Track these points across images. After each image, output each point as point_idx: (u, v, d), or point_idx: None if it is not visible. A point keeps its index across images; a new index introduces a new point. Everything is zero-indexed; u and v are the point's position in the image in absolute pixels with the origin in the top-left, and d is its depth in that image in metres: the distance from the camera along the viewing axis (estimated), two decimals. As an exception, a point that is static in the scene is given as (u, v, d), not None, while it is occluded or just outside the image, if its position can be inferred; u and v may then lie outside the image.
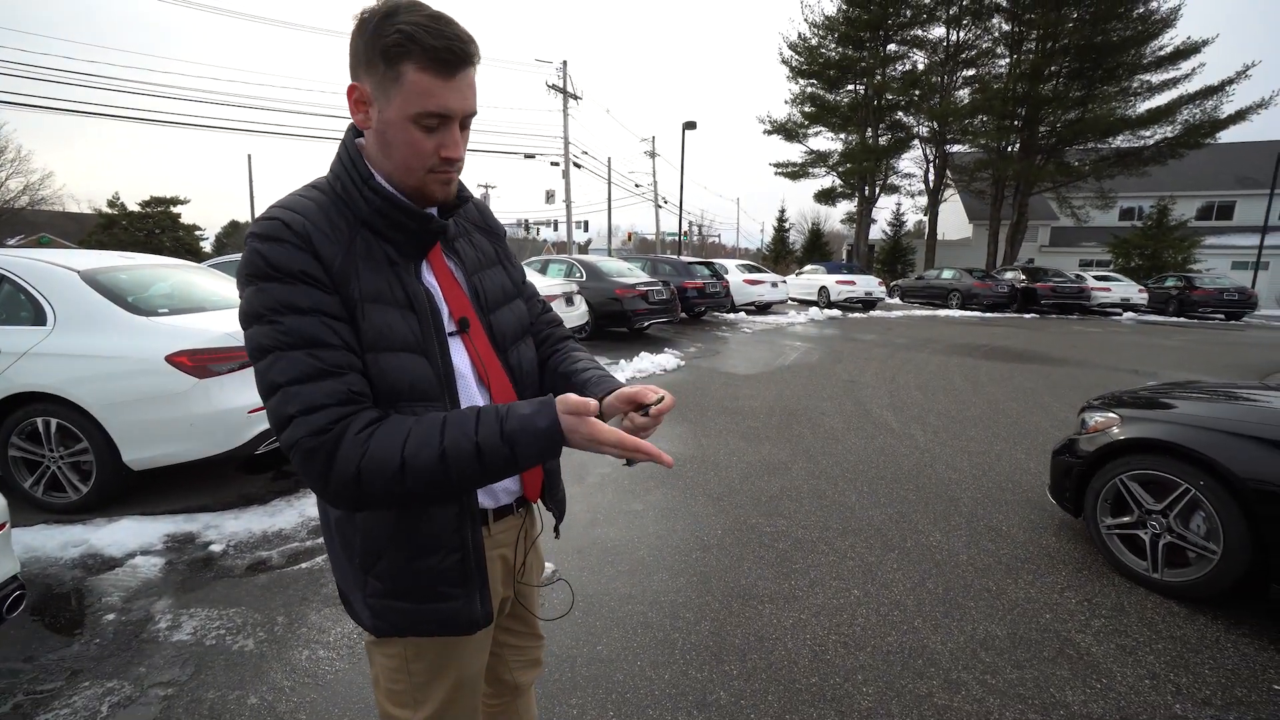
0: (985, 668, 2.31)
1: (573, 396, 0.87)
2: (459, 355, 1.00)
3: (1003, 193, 27.74)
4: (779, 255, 40.70)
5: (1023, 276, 20.32)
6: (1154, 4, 23.10)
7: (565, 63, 27.80)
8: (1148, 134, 24.26)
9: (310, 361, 0.83)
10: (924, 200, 31.33)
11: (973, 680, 2.24)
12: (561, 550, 3.17)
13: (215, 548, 3.12)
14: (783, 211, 41.98)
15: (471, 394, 1.01)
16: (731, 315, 16.02)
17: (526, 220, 48.93)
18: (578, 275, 11.51)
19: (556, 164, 29.75)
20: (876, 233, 36.96)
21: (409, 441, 0.83)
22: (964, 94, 28.09)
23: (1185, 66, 23.48)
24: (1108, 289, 19.86)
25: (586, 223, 41.67)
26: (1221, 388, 3.26)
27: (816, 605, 2.71)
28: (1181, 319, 19.13)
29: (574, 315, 9.78)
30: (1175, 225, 26.04)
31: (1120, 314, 19.49)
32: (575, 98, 28.40)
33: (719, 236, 73.53)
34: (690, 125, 27.15)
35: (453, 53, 0.86)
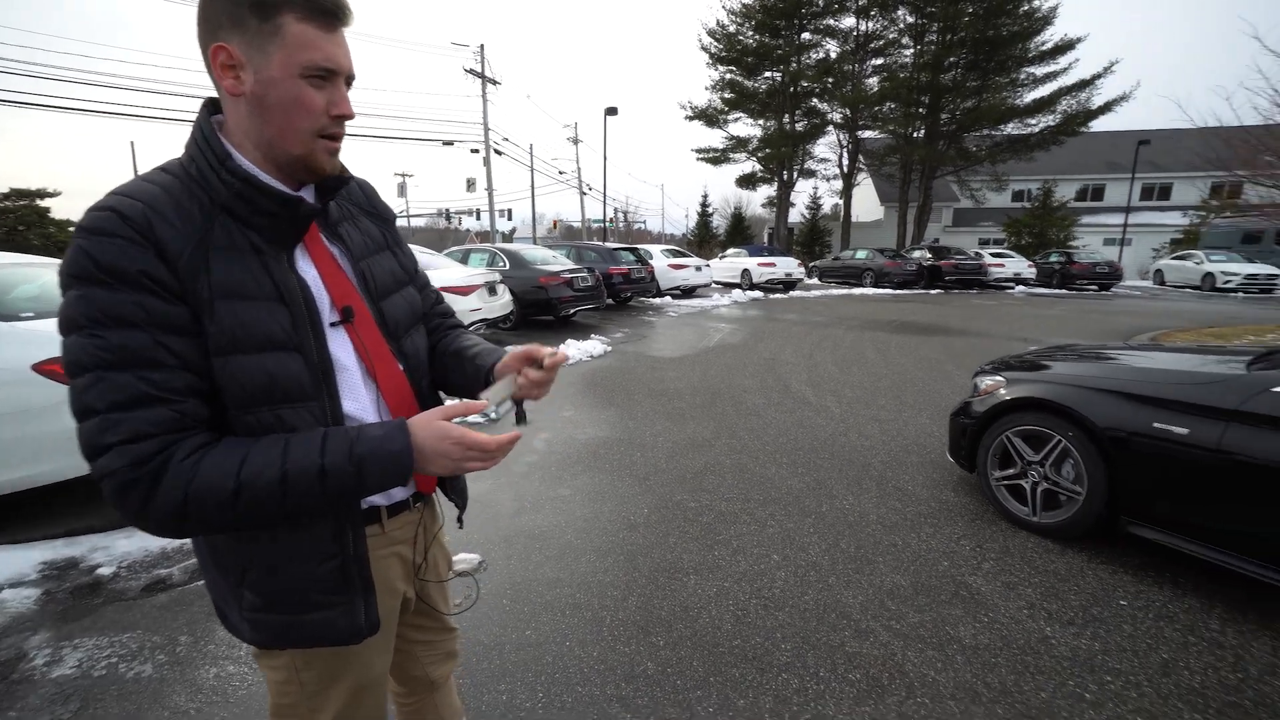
0: (891, 615, 2.50)
1: (436, 411, 0.87)
2: (341, 347, 0.94)
3: (910, 176, 29.33)
4: (703, 240, 41.38)
5: (929, 255, 21.60)
6: (1036, 2, 25.06)
7: (483, 46, 26.92)
8: (1034, 122, 26.39)
9: (138, 385, 0.74)
10: (839, 184, 32.62)
11: (880, 627, 2.42)
12: (489, 539, 3.15)
13: (104, 570, 2.87)
14: (705, 197, 42.63)
15: (354, 387, 0.95)
16: (657, 300, 16.18)
17: (448, 210, 47.33)
18: (501, 264, 11.29)
19: (476, 151, 28.88)
20: (795, 216, 38.26)
21: (247, 464, 0.78)
22: (873, 82, 29.39)
23: (1063, 61, 25.71)
24: (1002, 265, 21.47)
25: (510, 211, 40.82)
26: (1090, 349, 3.62)
27: (739, 572, 2.83)
28: (1063, 290, 20.97)
29: (498, 305, 9.61)
30: (1057, 206, 28.43)
31: (1013, 287, 21.13)
32: (494, 82, 27.59)
33: (644, 223, 73.88)
34: (612, 111, 27.04)
35: (336, 3, 0.82)
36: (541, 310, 10.88)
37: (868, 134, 31.05)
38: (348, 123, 0.90)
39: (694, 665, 2.22)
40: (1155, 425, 2.58)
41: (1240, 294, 19.11)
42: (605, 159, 28.99)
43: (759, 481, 3.89)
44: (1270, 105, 7.54)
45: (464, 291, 8.73)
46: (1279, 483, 2.25)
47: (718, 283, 20.89)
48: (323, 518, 0.92)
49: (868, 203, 39.21)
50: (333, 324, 0.93)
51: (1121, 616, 2.47)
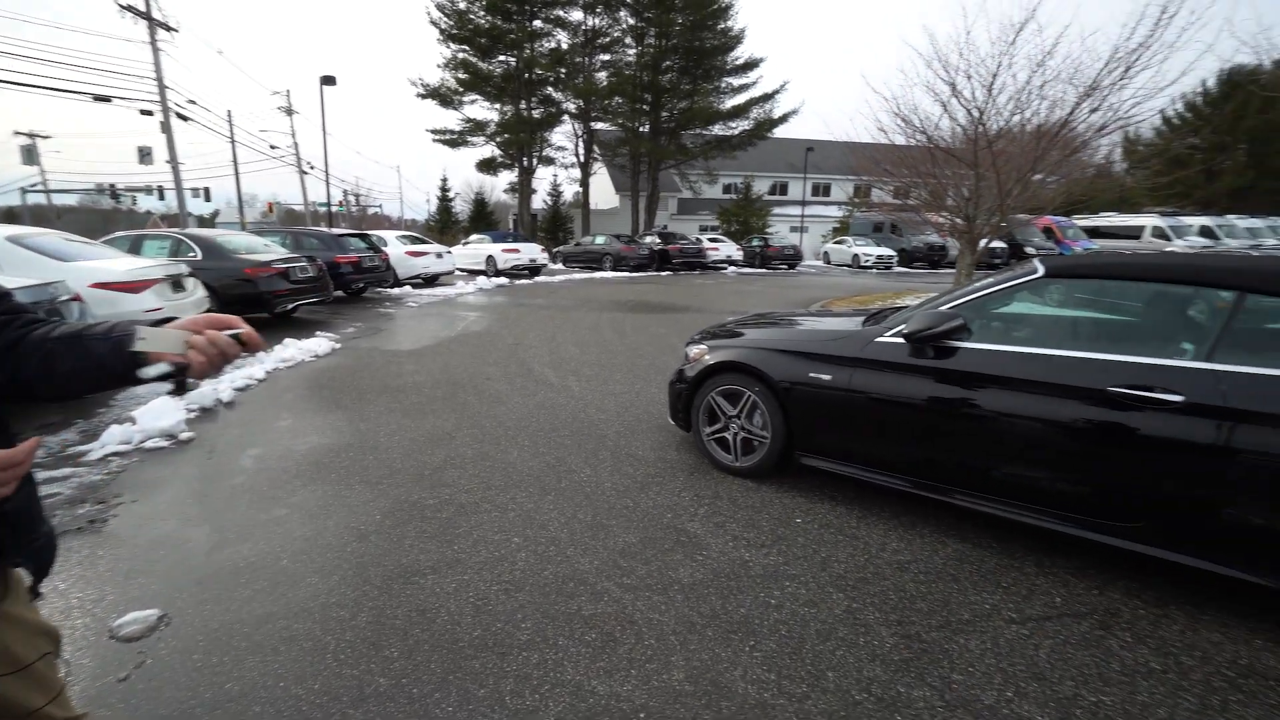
0: (623, 572, 2.70)
1: None
2: None
3: (639, 167, 31.82)
4: (445, 225, 39.46)
5: (658, 240, 23.80)
6: (730, 23, 29.06)
7: (143, -24, 21.35)
8: (734, 125, 30.68)
9: None
10: (577, 172, 33.88)
11: (613, 585, 2.60)
12: (174, 588, 2.59)
13: None
14: (445, 181, 40.57)
15: None
16: (396, 290, 15.01)
17: (113, 186, 36.97)
18: (190, 253, 9.27)
19: (149, 113, 22.97)
20: (538, 202, 38.71)
21: None
22: (603, 76, 30.99)
23: (752, 76, 30.34)
24: (717, 249, 24.74)
25: (207, 190, 33.48)
26: (776, 316, 4.32)
27: (479, 562, 2.78)
28: (763, 270, 25.12)
29: (188, 302, 7.87)
30: (756, 198, 33.67)
31: (726, 268, 24.51)
32: (167, 28, 22.16)
33: (380, 207, 67.67)
34: (329, 80, 23.94)
35: None
36: (251, 306, 9.23)
37: (600, 125, 32.76)
38: None
39: (432, 668, 2.13)
40: (810, 375, 3.23)
41: (875, 270, 25.03)
42: (324, 133, 25.64)
43: (501, 468, 3.88)
44: (876, 129, 10.03)
45: (132, 288, 6.94)
46: (889, 410, 2.99)
47: (462, 270, 20.19)
48: None
49: (605, 191, 41.47)
50: None
51: (797, 531, 3.05)
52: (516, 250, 19.86)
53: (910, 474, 2.99)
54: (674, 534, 3.03)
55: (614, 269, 22.41)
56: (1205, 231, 19.45)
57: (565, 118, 32.29)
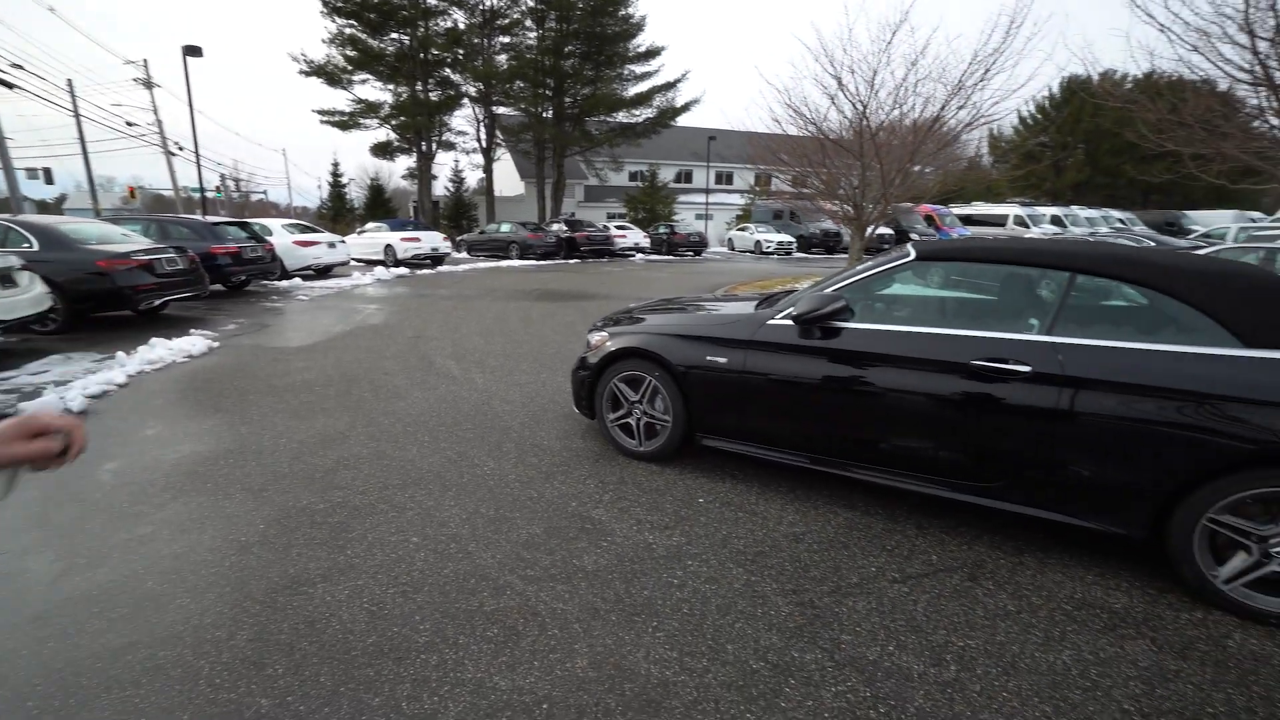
0: (526, 564, 2.67)
1: None
2: None
3: (544, 154, 31.19)
4: (338, 213, 37.01)
5: (565, 228, 23.54)
6: (631, 10, 28.94)
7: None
8: (638, 113, 30.67)
9: None
10: (480, 158, 32.71)
11: (516, 579, 2.56)
12: (5, 627, 2.28)
13: None
14: (337, 165, 37.99)
15: None
16: (285, 283, 13.91)
17: None
18: (23, 244, 8.12)
19: None
20: (440, 189, 37.14)
21: None
22: (503, 59, 29.98)
23: (654, 64, 30.41)
24: (624, 236, 24.86)
25: (48, 170, 29.33)
26: (679, 302, 4.37)
27: (374, 566, 2.65)
28: (670, 256, 25.54)
29: (23, 300, 6.92)
30: (661, 186, 34.03)
31: (634, 255, 24.70)
32: None
33: (265, 193, 62.36)
34: (194, 51, 21.58)
35: None
36: (108, 304, 8.23)
37: (503, 110, 31.77)
38: None
39: (322, 681, 2.01)
40: (708, 359, 3.31)
41: (776, 256, 26.08)
42: (191, 109, 23.12)
43: (399, 466, 3.71)
44: (771, 120, 10.47)
45: (-60, 284, 5.99)
46: (781, 389, 3.12)
47: (359, 260, 19.08)
48: None
49: (510, 178, 40.39)
50: None
51: (700, 511, 3.13)
52: (417, 239, 19.00)
53: (804, 449, 3.15)
54: (578, 522, 3.03)
55: (521, 257, 21.95)
56: (1055, 220, 21.78)
57: (465, 101, 31.02)
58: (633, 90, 30.63)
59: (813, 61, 11.35)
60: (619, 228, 25.77)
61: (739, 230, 30.14)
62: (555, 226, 24.22)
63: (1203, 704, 1.93)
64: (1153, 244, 16.14)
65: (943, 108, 8.79)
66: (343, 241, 16.40)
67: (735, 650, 2.13)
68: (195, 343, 7.09)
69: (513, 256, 22.15)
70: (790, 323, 3.05)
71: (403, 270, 17.63)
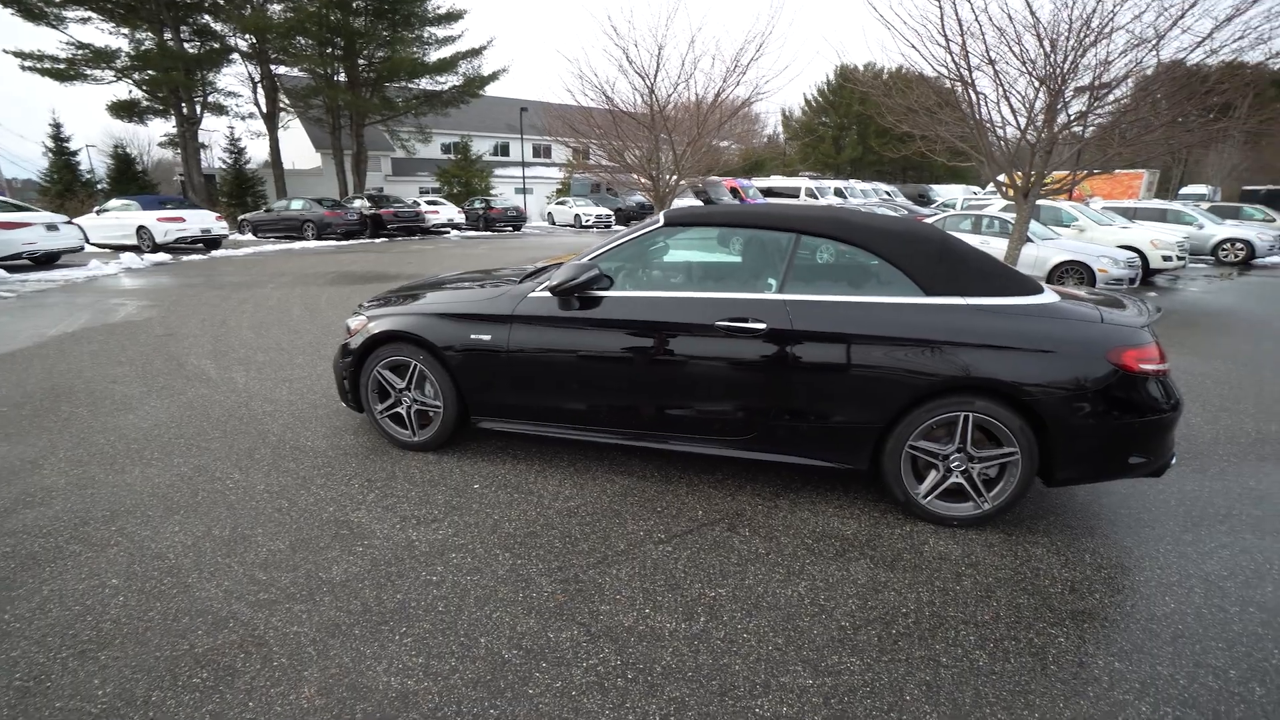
0: (260, 586, 2.31)
1: None
2: None
3: (340, 122, 28.05)
4: (69, 187, 29.97)
5: (369, 204, 21.50)
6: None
7: None
8: (442, 80, 28.69)
9: None
10: (262, 125, 28.49)
11: (244, 606, 2.21)
12: None
13: None
14: (59, 127, 30.46)
15: None
16: (-19, 277, 11.00)
17: None
18: None
19: None
20: (214, 161, 31.88)
21: None
22: (279, 9, 26.09)
23: (456, 28, 28.50)
24: (436, 212, 23.38)
25: None
26: (454, 279, 4.05)
27: (45, 626, 2.12)
28: (488, 232, 24.59)
29: None
30: (476, 159, 32.47)
31: (449, 232, 23.36)
32: None
33: (-47, 162, 48.61)
34: None
35: None
36: None
37: (283, 70, 27.87)
38: None
39: (-65, 791, 1.54)
40: (472, 337, 3.12)
41: (595, 229, 26.33)
42: None
43: (109, 493, 3.04)
44: (564, 91, 10.42)
45: None
46: (547, 363, 3.04)
47: (100, 246, 15.77)
48: None
49: (304, 149, 35.86)
50: None
51: (473, 499, 2.97)
52: (180, 219, 16.10)
53: (577, 422, 3.12)
54: (334, 529, 2.71)
55: (319, 238, 19.68)
56: (838, 192, 24.57)
57: (236, 57, 26.69)
58: (435, 55, 28.57)
59: (601, 34, 11.40)
60: (430, 203, 24.17)
61: (558, 204, 29.86)
62: (358, 203, 22.01)
63: (899, 606, 2.22)
64: (908, 212, 18.91)
65: (724, 81, 9.32)
66: (69, 223, 13.37)
67: (489, 643, 2.03)
68: None
69: (308, 237, 19.78)
70: (549, 294, 2.97)
71: (163, 256, 14.90)
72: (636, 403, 2.98)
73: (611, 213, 27.24)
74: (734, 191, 24.90)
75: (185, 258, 14.93)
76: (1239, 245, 14.94)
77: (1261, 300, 9.99)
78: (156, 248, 15.67)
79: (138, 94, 25.24)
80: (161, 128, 27.38)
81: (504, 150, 41.97)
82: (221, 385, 4.77)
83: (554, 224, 29.27)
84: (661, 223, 2.96)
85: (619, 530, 2.71)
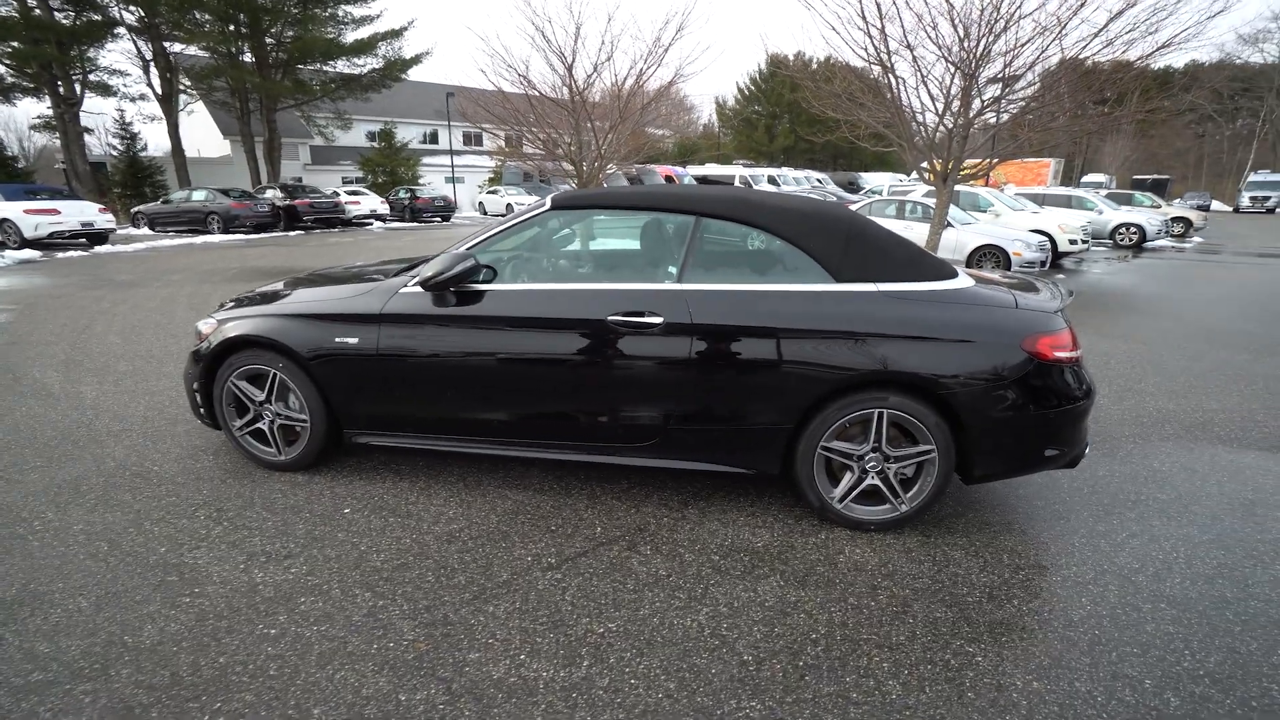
0: (36, 663, 1.86)
1: None
2: None
3: (248, 107, 26.08)
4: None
5: (283, 195, 20.08)
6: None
7: None
8: (360, 63, 27.11)
9: None
10: (157, 108, 26.11)
11: (3, 696, 1.76)
12: None
13: None
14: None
15: None
16: None
17: None
18: None
19: None
20: (101, 147, 29.11)
21: None
22: (171, -21, 23.85)
23: (374, 7, 26.98)
24: (358, 202, 22.11)
25: None
26: (338, 274, 3.57)
27: None
28: (414, 223, 23.49)
29: None
30: (402, 147, 30.95)
31: (372, 224, 22.17)
32: None
33: None
34: None
35: None
36: None
37: (179, 48, 25.59)
38: None
39: None
40: (336, 340, 2.71)
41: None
42: None
43: (-127, 545, 2.48)
44: (477, 71, 9.87)
45: None
46: (422, 368, 2.67)
47: (-48, 242, 14.04)
48: None
49: (209, 136, 33.25)
50: None
51: (340, 526, 2.58)
52: (54, 211, 14.50)
53: (462, 433, 2.76)
54: (160, 575, 2.26)
55: (225, 231, 18.21)
56: (771, 180, 24.77)
57: (122, 31, 24.28)
58: (352, 36, 26.95)
59: (515, 10, 10.88)
60: (352, 193, 22.83)
61: (490, 193, 28.94)
62: (270, 193, 20.53)
63: (808, 631, 2.00)
64: (837, 199, 19.21)
65: (645, 62, 9.01)
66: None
67: (322, 715, 1.67)
68: None
69: (213, 231, 18.28)
70: (420, 289, 2.60)
71: (33, 253, 13.38)
72: (523, 410, 2.66)
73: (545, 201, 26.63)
74: (669, 179, 24.73)
75: (62, 255, 13.46)
76: (1133, 229, 15.92)
77: (1156, 280, 10.58)
78: (25, 243, 14.06)
79: (1, 70, 22.61)
80: (34, 108, 24.54)
81: (433, 138, 40.34)
82: (63, 401, 4.13)
83: (486, 214, 28.34)
84: (548, 206, 2.64)
85: (504, 557, 2.39)
